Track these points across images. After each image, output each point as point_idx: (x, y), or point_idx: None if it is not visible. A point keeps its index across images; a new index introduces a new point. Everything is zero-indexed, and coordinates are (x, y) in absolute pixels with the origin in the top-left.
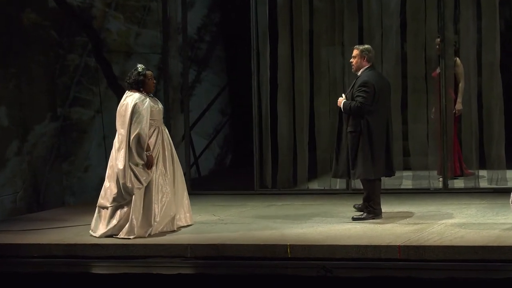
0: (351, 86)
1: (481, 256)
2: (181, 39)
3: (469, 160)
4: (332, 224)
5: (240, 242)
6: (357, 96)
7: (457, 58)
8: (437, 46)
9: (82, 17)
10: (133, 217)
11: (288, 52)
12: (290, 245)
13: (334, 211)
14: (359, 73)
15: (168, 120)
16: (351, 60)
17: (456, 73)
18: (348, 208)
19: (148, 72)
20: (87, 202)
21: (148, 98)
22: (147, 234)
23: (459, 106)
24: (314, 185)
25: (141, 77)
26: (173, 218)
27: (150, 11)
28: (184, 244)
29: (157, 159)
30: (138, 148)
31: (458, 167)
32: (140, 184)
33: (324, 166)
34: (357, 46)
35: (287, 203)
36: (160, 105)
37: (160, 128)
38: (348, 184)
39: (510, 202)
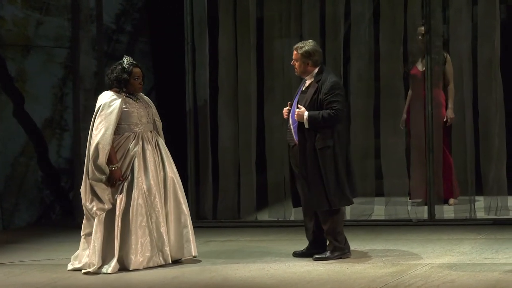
0: (311, 93)
1: None
2: (95, 29)
3: (462, 183)
4: (288, 266)
5: None
6: (332, 101)
7: (447, 54)
8: (420, 37)
9: None
10: (94, 244)
11: (231, 46)
12: None
13: (290, 249)
14: (310, 78)
15: (77, 132)
16: (293, 62)
17: (446, 73)
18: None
19: (136, 70)
20: None
21: (121, 99)
22: (110, 269)
23: (451, 113)
24: (265, 216)
25: (125, 75)
26: (162, 250)
27: None
28: None
29: (132, 174)
30: (97, 162)
31: (457, 187)
32: (102, 204)
33: (277, 192)
34: (297, 47)
35: (230, 239)
36: (146, 106)
37: (143, 136)
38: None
39: None
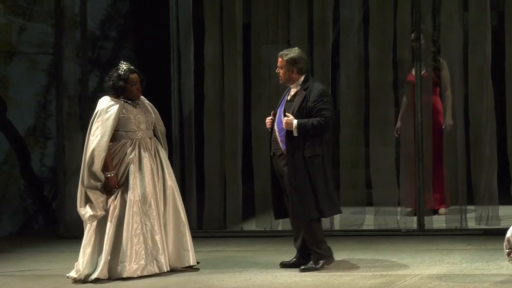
0: (299, 101)
1: None
2: (79, 35)
3: (452, 192)
4: (275, 276)
5: None
6: (321, 109)
7: (444, 60)
8: (413, 43)
9: None
10: (86, 251)
11: (217, 52)
12: None
13: (277, 259)
14: (296, 86)
15: (61, 140)
16: (277, 70)
17: (443, 79)
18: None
19: (132, 76)
20: None
21: (118, 105)
22: (96, 274)
23: (449, 120)
24: (252, 226)
25: (121, 83)
26: (157, 258)
27: None
28: None
29: (128, 181)
30: (92, 168)
31: (449, 197)
32: (95, 211)
33: (264, 202)
34: (282, 54)
35: (217, 249)
36: (145, 112)
37: (141, 143)
38: None
39: (505, 247)
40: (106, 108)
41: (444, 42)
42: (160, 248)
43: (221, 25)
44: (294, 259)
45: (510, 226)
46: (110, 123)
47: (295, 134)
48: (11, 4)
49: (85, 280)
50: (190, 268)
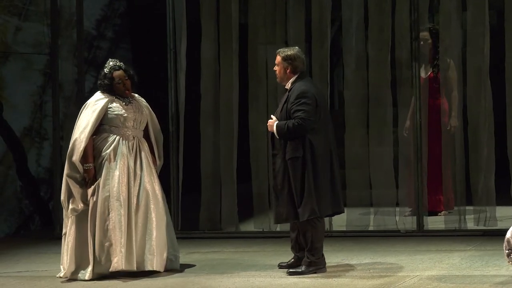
0: (282, 102)
1: None
2: (75, 35)
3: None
4: (273, 278)
5: None
6: (296, 110)
7: (451, 60)
8: (422, 43)
9: None
10: (68, 246)
11: (213, 52)
12: None
13: (275, 261)
14: (288, 86)
15: (57, 141)
16: (274, 68)
17: (449, 79)
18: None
19: (117, 74)
20: None
21: (107, 99)
22: (86, 276)
23: (454, 121)
24: (249, 227)
25: (106, 81)
26: (132, 255)
27: None
28: None
29: (106, 176)
30: (72, 159)
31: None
32: (75, 205)
33: (262, 202)
34: (280, 51)
35: (214, 250)
36: (136, 111)
37: (122, 140)
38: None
39: (504, 248)
40: (95, 101)
41: (443, 42)
42: (124, 245)
43: (217, 25)
44: (292, 260)
45: (510, 227)
46: (94, 115)
47: (276, 136)
48: (6, 4)
49: (72, 277)
50: (155, 273)
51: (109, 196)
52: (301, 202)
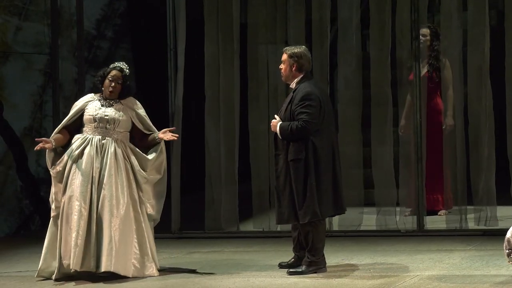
0: (287, 103)
1: None
2: (75, 35)
3: (452, 193)
4: (274, 277)
5: None
6: (300, 113)
7: (446, 59)
8: (422, 39)
9: None
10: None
11: (214, 52)
12: None
13: (276, 260)
14: (293, 85)
15: None
16: (280, 66)
17: (444, 78)
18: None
19: (114, 72)
20: None
21: (87, 100)
22: (54, 275)
23: (450, 120)
24: (249, 226)
25: (99, 78)
26: (88, 255)
27: None
28: None
29: (72, 176)
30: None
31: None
32: (52, 205)
33: (262, 202)
34: (286, 49)
35: (215, 250)
36: (120, 115)
37: (92, 141)
38: None
39: (504, 248)
40: (78, 101)
41: (443, 41)
42: (79, 245)
43: (218, 25)
44: (293, 260)
45: (510, 226)
46: (70, 113)
47: (279, 137)
48: (6, 3)
49: (40, 275)
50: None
51: (73, 196)
52: (302, 204)
